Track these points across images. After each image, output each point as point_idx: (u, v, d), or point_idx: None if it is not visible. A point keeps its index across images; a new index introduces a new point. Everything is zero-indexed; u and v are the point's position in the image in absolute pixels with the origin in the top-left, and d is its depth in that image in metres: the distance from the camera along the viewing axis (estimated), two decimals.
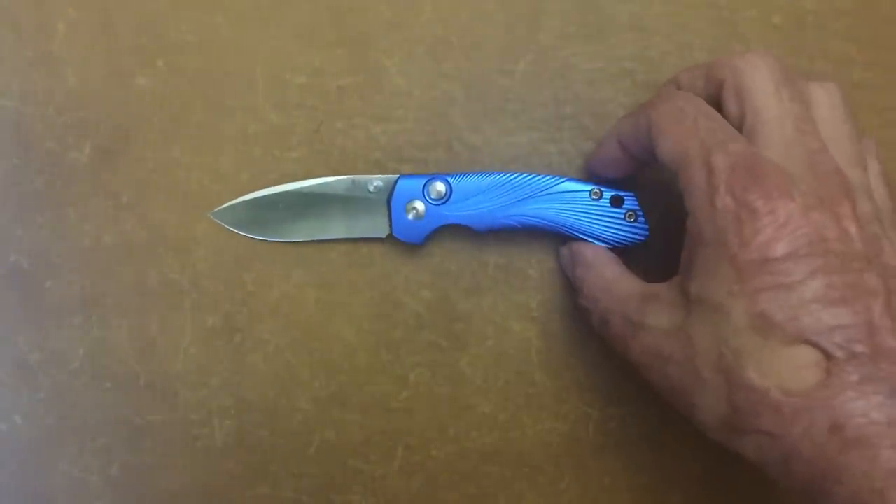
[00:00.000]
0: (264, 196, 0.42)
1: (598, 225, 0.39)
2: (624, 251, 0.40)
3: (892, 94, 0.42)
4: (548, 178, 0.39)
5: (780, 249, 0.30)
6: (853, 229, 0.30)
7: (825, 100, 0.34)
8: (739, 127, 0.33)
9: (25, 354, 0.43)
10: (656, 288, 0.35)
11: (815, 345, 0.29)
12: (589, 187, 0.39)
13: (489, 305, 0.42)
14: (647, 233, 0.39)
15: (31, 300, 0.43)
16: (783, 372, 0.30)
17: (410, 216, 0.41)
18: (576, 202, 0.39)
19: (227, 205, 0.42)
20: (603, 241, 0.39)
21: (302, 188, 0.42)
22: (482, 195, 0.40)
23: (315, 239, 0.42)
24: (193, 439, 0.42)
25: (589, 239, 0.39)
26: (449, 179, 0.40)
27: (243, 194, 0.42)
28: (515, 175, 0.40)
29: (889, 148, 0.42)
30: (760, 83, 0.33)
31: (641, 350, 0.35)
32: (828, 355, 0.29)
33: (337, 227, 0.42)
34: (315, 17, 0.43)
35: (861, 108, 0.42)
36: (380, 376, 0.42)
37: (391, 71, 0.43)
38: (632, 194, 0.39)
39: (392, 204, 0.41)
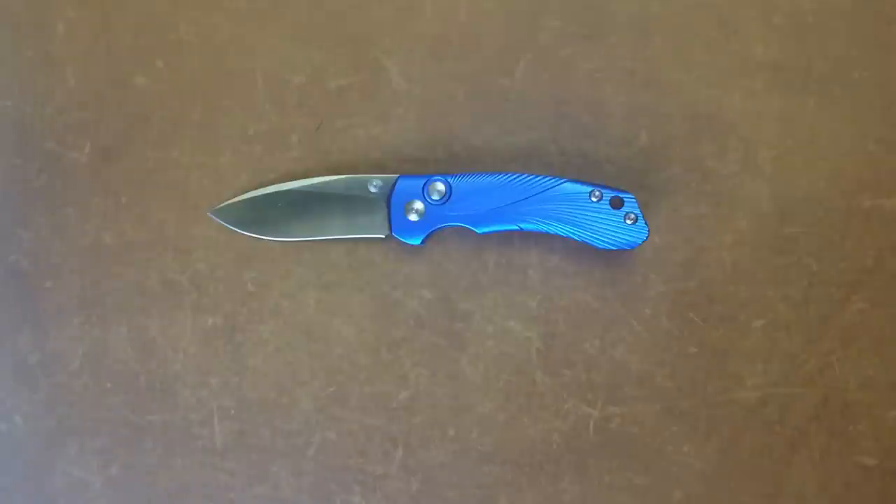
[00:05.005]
0: (264, 195, 0.42)
1: (598, 227, 0.39)
2: (624, 252, 0.40)
3: (892, 94, 0.42)
4: (547, 178, 0.39)
5: None
6: None
7: None
8: None
9: (25, 354, 0.43)
10: None
11: None
12: (589, 189, 0.39)
13: (489, 305, 0.42)
14: (646, 234, 0.39)
15: (31, 300, 0.43)
16: None
17: (410, 216, 0.40)
18: (575, 203, 0.39)
19: (226, 203, 0.42)
20: (603, 244, 0.39)
21: (301, 187, 0.42)
22: (482, 195, 0.40)
23: (315, 238, 0.42)
24: (193, 439, 0.42)
25: (589, 241, 0.39)
26: (449, 179, 0.40)
27: (243, 194, 0.42)
28: (515, 175, 0.40)
29: (890, 148, 0.42)
30: None
31: None
32: None
33: (337, 227, 0.42)
34: (315, 17, 0.43)
35: (861, 108, 0.42)
36: (380, 376, 0.42)
37: (391, 71, 0.43)
38: (632, 195, 0.39)
39: (392, 204, 0.41)
